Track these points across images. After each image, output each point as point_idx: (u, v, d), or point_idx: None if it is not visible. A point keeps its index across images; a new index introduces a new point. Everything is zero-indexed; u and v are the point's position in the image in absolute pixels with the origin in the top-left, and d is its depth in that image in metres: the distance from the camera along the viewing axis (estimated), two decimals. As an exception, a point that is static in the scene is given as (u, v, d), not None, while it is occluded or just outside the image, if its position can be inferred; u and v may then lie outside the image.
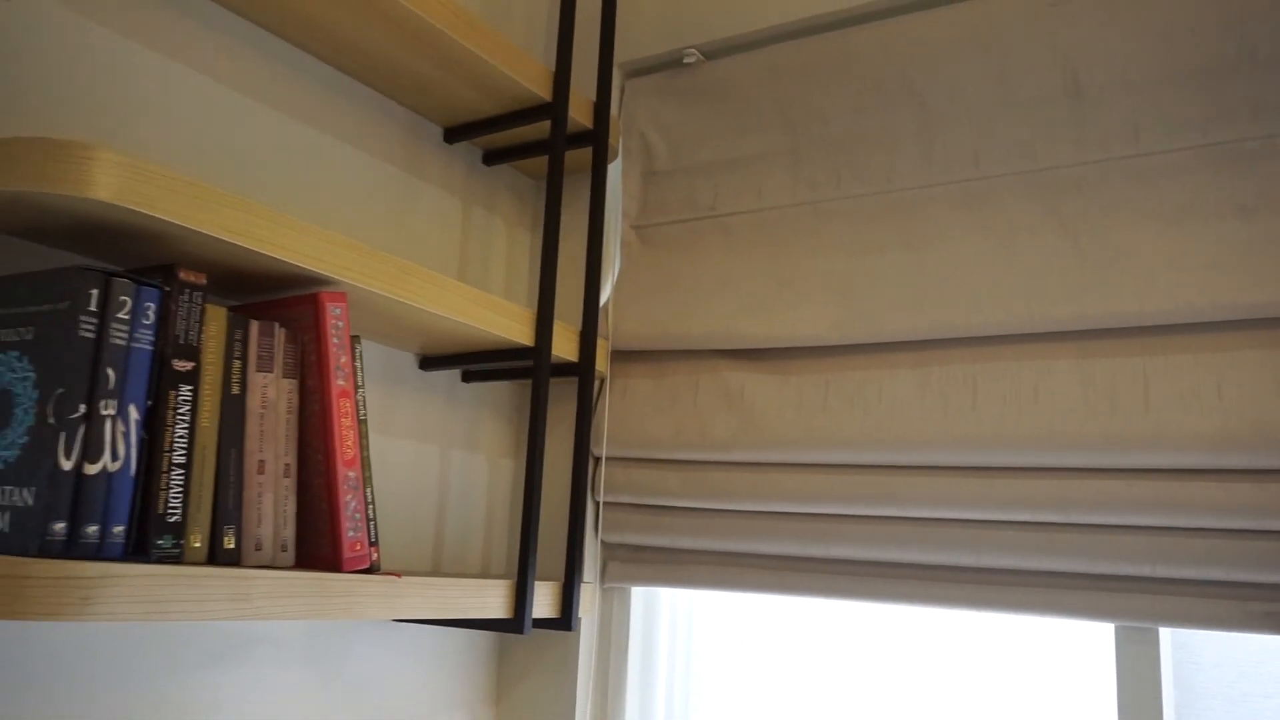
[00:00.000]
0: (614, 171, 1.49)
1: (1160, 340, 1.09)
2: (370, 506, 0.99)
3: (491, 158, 1.44)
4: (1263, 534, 1.01)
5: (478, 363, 1.28)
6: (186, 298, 0.86)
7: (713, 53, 1.46)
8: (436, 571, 1.30)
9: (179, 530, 0.84)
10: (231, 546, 0.89)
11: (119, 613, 0.75)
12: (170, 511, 0.84)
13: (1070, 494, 1.09)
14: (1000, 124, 1.23)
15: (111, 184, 0.79)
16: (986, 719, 1.22)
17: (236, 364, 0.91)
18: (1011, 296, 1.15)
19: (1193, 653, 1.14)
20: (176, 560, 0.84)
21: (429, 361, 1.31)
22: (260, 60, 1.14)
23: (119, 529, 0.80)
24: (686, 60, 1.47)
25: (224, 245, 0.88)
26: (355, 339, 1.01)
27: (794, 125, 1.38)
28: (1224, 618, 1.03)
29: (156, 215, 0.82)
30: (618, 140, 1.47)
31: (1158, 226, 1.10)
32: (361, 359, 1.06)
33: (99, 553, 0.78)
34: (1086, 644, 1.18)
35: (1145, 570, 1.06)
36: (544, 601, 1.23)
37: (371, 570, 0.98)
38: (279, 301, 0.99)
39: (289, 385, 0.95)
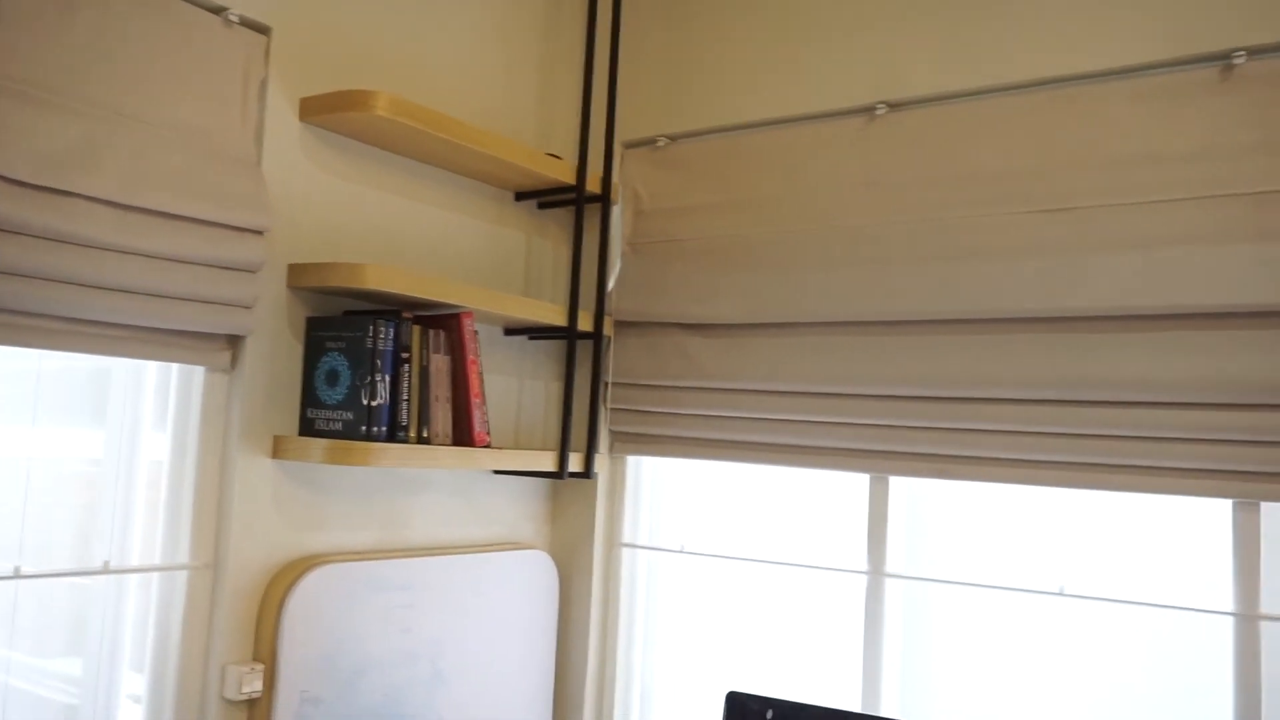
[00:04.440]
0: (618, 210, 2.47)
1: (948, 327, 2.06)
2: (485, 413, 2.03)
3: (543, 205, 2.43)
4: (943, 429, 2.00)
5: (536, 332, 2.31)
6: (406, 324, 1.89)
7: (675, 138, 2.42)
8: (517, 446, 2.36)
9: (406, 429, 1.89)
10: (426, 436, 1.94)
11: (385, 463, 1.81)
12: (402, 420, 1.89)
13: (846, 408, 2.09)
14: (832, 196, 2.18)
15: (373, 279, 1.81)
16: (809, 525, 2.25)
17: (425, 351, 1.94)
18: (827, 302, 2.12)
19: (923, 501, 2.14)
20: (405, 442, 1.89)
21: (509, 332, 2.34)
22: (415, 178, 2.14)
23: (383, 429, 1.85)
24: (659, 144, 2.43)
25: (420, 298, 1.90)
26: (475, 333, 2.03)
27: (721, 189, 2.34)
28: (919, 470, 2.03)
29: (392, 291, 1.84)
30: (618, 194, 2.44)
31: (937, 264, 2.05)
32: (479, 341, 2.08)
33: (377, 439, 1.83)
34: (854, 490, 2.19)
35: (881, 447, 2.06)
36: (575, 462, 2.28)
37: (487, 446, 2.03)
38: (442, 317, 2.01)
39: (447, 360, 1.99)
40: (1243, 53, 1.78)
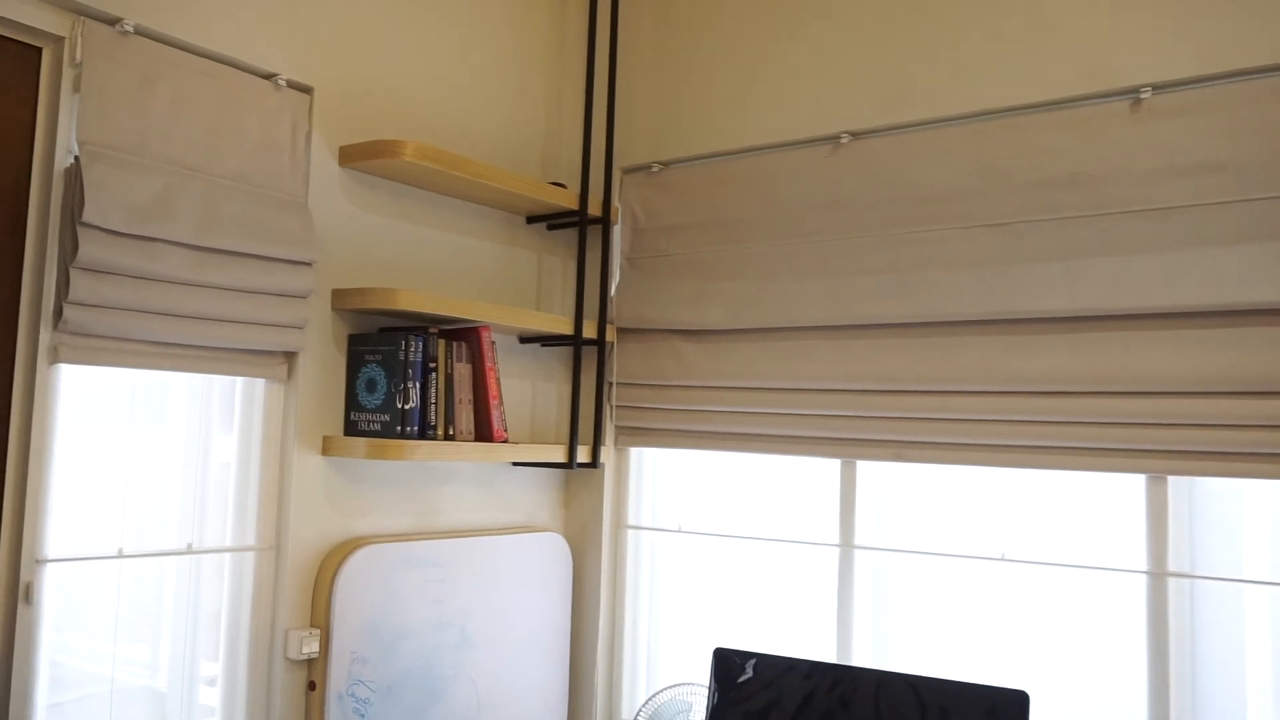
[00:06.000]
0: (618, 229, 2.77)
1: (903, 330, 2.35)
2: (503, 413, 2.34)
3: (552, 227, 2.74)
4: (900, 419, 2.29)
5: (547, 340, 2.62)
6: (433, 338, 2.20)
7: (667, 163, 2.72)
8: (532, 440, 2.67)
9: (435, 428, 2.21)
10: (452, 434, 2.25)
11: (417, 458, 2.13)
12: (431, 421, 2.20)
13: (818, 402, 2.38)
14: (804, 215, 2.47)
15: (404, 301, 2.12)
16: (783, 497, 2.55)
17: (449, 361, 2.25)
18: (800, 310, 2.42)
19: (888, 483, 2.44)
20: (434, 439, 2.21)
21: (524, 340, 2.66)
22: (439, 209, 2.45)
23: (415, 428, 2.17)
24: (653, 169, 2.73)
25: (445, 315, 2.22)
26: (493, 343, 2.34)
27: (708, 209, 2.63)
28: (880, 454, 2.32)
29: (420, 310, 2.15)
30: (618, 215, 2.75)
31: (893, 275, 2.34)
32: (496, 350, 2.39)
33: (410, 437, 2.15)
34: (827, 473, 2.49)
35: (848, 435, 2.35)
36: (583, 454, 2.59)
37: (505, 441, 2.34)
38: (464, 330, 2.33)
39: (469, 367, 2.31)
40: (1149, 88, 2.06)
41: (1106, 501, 2.13)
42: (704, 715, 2.27)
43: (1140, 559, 2.07)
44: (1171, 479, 2.04)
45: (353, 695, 2.14)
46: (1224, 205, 1.96)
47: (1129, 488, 2.11)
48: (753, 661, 2.17)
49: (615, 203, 2.75)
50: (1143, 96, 2.07)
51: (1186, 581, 2.03)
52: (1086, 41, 2.13)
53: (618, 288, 2.74)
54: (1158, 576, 2.03)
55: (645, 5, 2.80)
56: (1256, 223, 1.92)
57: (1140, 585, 2.06)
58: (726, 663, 2.21)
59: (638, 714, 2.41)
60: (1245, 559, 1.99)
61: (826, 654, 2.42)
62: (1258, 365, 1.89)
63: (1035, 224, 2.16)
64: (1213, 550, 2.02)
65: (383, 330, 2.24)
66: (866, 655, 2.38)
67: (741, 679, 2.18)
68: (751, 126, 2.57)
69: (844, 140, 2.43)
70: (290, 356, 2.15)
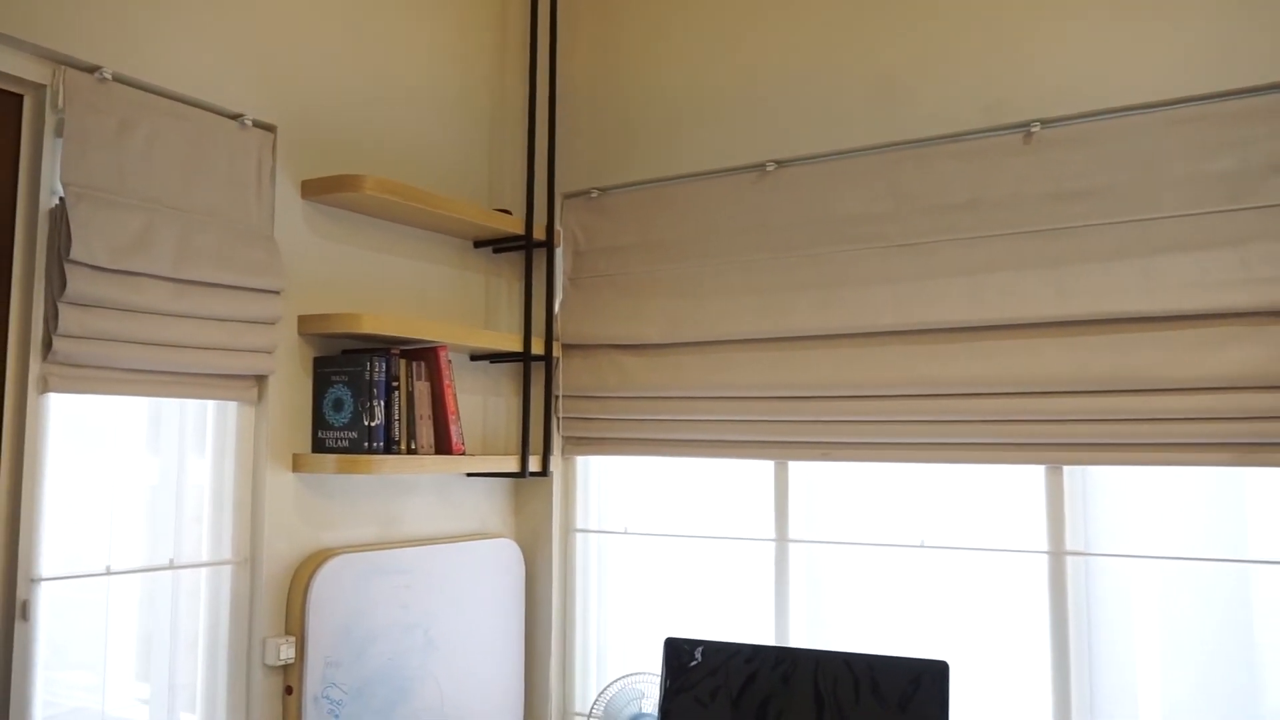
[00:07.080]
0: (561, 251, 2.95)
1: (825, 340, 2.57)
2: (460, 427, 2.50)
3: (497, 251, 2.91)
4: (825, 422, 2.51)
5: (497, 357, 2.79)
6: (395, 358, 2.35)
7: (606, 189, 2.91)
8: (485, 452, 2.83)
9: (398, 443, 2.36)
10: (414, 448, 2.40)
11: (384, 471, 2.28)
12: (395, 436, 2.35)
13: (750, 408, 2.59)
14: (734, 236, 2.68)
15: (367, 325, 2.27)
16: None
17: (410, 379, 2.41)
18: (731, 324, 2.62)
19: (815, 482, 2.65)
20: (398, 453, 2.35)
21: (475, 357, 2.82)
22: (394, 236, 2.60)
23: (380, 444, 2.31)
24: (592, 195, 2.92)
25: (404, 337, 2.37)
26: (450, 362, 2.50)
27: (645, 231, 2.83)
28: (809, 455, 2.54)
29: (385, 333, 2.30)
30: (560, 237, 2.93)
31: (814, 290, 2.56)
32: (452, 368, 2.55)
33: (376, 452, 2.30)
34: (761, 474, 2.70)
35: (778, 438, 2.56)
36: (534, 464, 2.76)
37: (463, 453, 2.50)
38: (422, 350, 2.48)
39: (428, 385, 2.46)
40: (1039, 123, 2.32)
41: (1011, 490, 2.39)
42: (656, 701, 2.45)
43: (1041, 541, 2.33)
44: (1066, 468, 2.30)
45: (327, 697, 2.27)
46: (1102, 226, 2.23)
47: (1030, 477, 2.36)
48: (701, 648, 2.37)
49: (557, 226, 2.93)
50: (1033, 130, 2.33)
51: (1082, 559, 2.29)
52: (984, 81, 2.39)
53: (561, 306, 2.91)
54: (1057, 556, 2.29)
55: (582, 42, 2.99)
56: (1129, 242, 2.19)
57: (1042, 564, 2.32)
58: (677, 650, 2.40)
59: (593, 705, 2.58)
60: (1133, 537, 2.26)
61: (767, 638, 2.63)
62: (1136, 366, 2.16)
63: (941, 244, 2.41)
64: (1105, 531, 2.29)
65: (345, 352, 2.38)
66: (803, 637, 2.59)
67: (691, 664, 2.37)
68: (685, 154, 2.77)
69: (770, 168, 2.65)
70: (261, 379, 2.27)
